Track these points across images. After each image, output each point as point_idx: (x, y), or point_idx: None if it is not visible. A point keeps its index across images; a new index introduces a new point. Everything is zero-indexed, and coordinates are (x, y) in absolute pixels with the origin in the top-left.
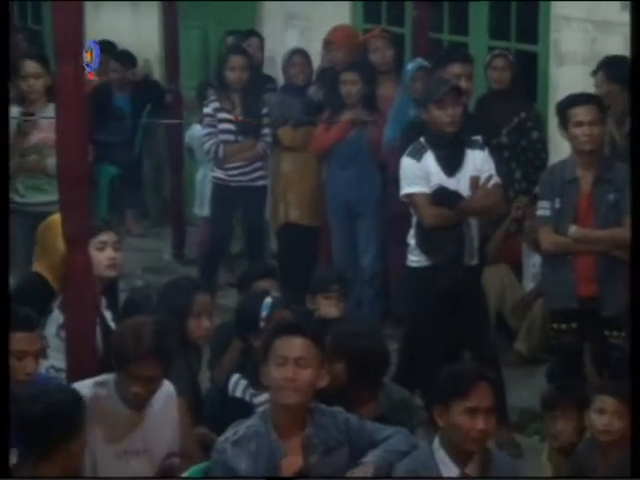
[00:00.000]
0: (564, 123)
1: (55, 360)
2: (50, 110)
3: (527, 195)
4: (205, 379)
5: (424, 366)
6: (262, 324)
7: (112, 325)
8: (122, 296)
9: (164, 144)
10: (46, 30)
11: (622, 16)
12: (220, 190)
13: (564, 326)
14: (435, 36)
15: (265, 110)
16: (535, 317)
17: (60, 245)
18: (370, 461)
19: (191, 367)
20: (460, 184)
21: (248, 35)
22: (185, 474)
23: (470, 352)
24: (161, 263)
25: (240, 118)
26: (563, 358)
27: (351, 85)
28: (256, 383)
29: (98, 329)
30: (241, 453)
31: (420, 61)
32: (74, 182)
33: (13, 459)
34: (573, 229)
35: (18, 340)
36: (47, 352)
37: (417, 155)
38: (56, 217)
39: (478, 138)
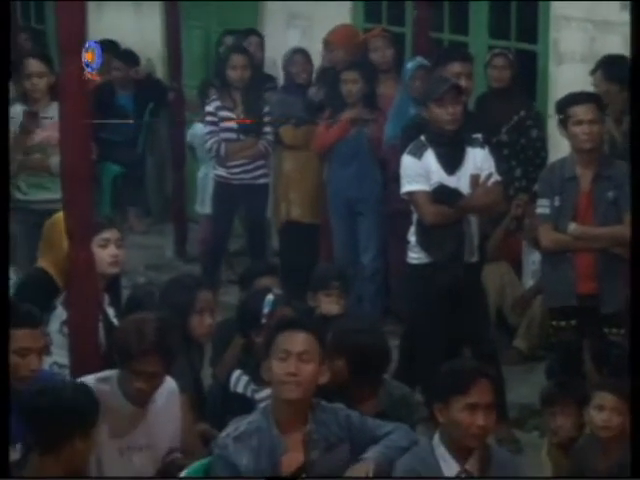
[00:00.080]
0: (564, 121)
1: (58, 356)
2: (53, 109)
3: (527, 193)
4: (207, 376)
5: (424, 363)
6: (264, 321)
7: (115, 322)
8: (125, 293)
9: (166, 142)
10: (49, 29)
11: (621, 16)
12: (222, 188)
13: (563, 323)
14: (435, 35)
15: (267, 109)
16: (535, 314)
17: (65, 242)
18: (370, 457)
19: (193, 364)
20: (460, 182)
21: (248, 34)
22: (187, 470)
23: (470, 349)
24: (163, 260)
25: (242, 118)
26: (562, 355)
27: (352, 84)
28: (257, 379)
29: (101, 326)
30: (242, 449)
31: (420, 60)
32: (77, 180)
33: (16, 455)
34: (573, 227)
35: (22, 337)
36: (50, 349)
37: (417, 153)
38: (62, 214)
39: (478, 136)
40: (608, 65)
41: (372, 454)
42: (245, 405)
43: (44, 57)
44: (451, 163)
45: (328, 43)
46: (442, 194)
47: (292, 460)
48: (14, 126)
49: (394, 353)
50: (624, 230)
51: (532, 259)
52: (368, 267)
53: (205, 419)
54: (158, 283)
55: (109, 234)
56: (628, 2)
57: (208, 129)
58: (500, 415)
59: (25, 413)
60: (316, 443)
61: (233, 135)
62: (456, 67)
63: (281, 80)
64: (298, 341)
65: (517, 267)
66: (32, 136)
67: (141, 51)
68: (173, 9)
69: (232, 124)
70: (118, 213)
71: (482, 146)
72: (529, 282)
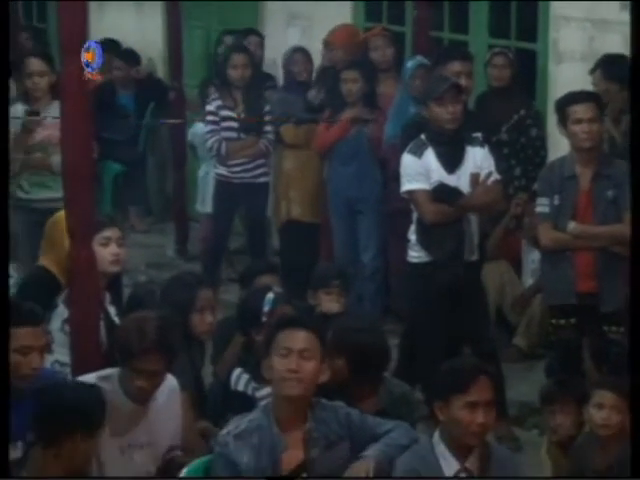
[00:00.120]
0: (563, 120)
1: (60, 355)
2: (55, 108)
3: (526, 192)
4: (208, 374)
5: (424, 361)
6: (264, 319)
7: (116, 320)
8: (126, 291)
9: (167, 142)
10: (51, 28)
11: (620, 15)
12: (222, 187)
13: (563, 321)
14: (435, 34)
15: (267, 108)
16: (534, 313)
17: (67, 240)
18: (371, 455)
19: (194, 362)
20: (460, 181)
21: (247, 33)
22: (187, 468)
23: (470, 347)
24: (164, 259)
25: (243, 117)
26: (562, 353)
27: (352, 83)
28: (258, 377)
29: (102, 324)
30: (243, 447)
31: (419, 59)
32: (78, 179)
33: (17, 453)
34: (572, 225)
35: (23, 335)
36: (52, 347)
37: (418, 152)
38: (64, 213)
39: (478, 135)
40: (607, 64)
41: (372, 452)
42: (246, 403)
43: (45, 56)
44: (451, 162)
45: (328, 42)
46: (442, 193)
47: (292, 458)
48: (16, 125)
49: (394, 352)
50: (623, 229)
51: (532, 258)
52: (368, 266)
53: (206, 417)
54: (159, 281)
55: (110, 233)
56: (627, 2)
57: (209, 128)
58: (500, 413)
59: (27, 411)
60: (316, 441)
61: (234, 134)
62: (456, 66)
63: (281, 79)
64: (299, 339)
65: (517, 266)
66: (33, 135)
67: (142, 51)
68: (174, 9)
69: (233, 123)
70: (119, 212)
71: (482, 145)
72: (529, 281)
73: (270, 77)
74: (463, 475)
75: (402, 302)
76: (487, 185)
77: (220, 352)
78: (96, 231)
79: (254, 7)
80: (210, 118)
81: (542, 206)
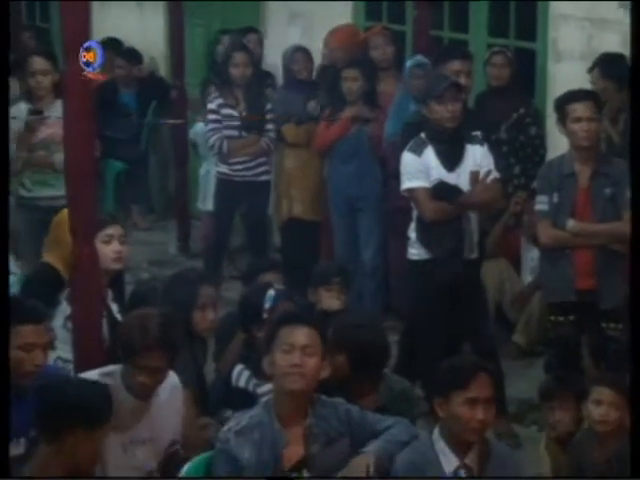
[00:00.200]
0: (562, 119)
1: (62, 351)
2: (58, 106)
3: (526, 190)
4: (210, 371)
5: (424, 358)
6: (265, 316)
7: (118, 317)
8: (128, 289)
9: (169, 140)
10: (54, 28)
11: (619, 14)
12: (224, 185)
13: (562, 319)
14: (435, 34)
15: (268, 106)
16: (533, 310)
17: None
18: (371, 451)
19: (196, 359)
20: (460, 179)
21: (246, 32)
22: (189, 464)
23: (469, 344)
24: (166, 256)
25: (244, 115)
26: (561, 350)
27: (352, 82)
28: (259, 374)
29: (104, 321)
30: (244, 442)
31: (418, 58)
32: (81, 177)
33: (20, 449)
34: (571, 223)
35: (26, 332)
36: (55, 343)
37: (417, 150)
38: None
39: (477, 134)
40: (605, 63)
41: (372, 448)
42: (247, 399)
43: (48, 55)
44: (451, 160)
45: (329, 41)
46: (442, 191)
47: (293, 454)
48: (19, 124)
49: (394, 348)
50: (622, 226)
51: (531, 255)
52: (368, 263)
53: (208, 413)
54: (161, 279)
55: (113, 230)
56: (626, 1)
57: (210, 126)
58: (499, 410)
59: (30, 407)
60: (316, 437)
61: (235, 132)
62: (456, 65)
63: (281, 78)
64: (301, 334)
65: (516, 263)
66: (36, 133)
67: (144, 49)
68: (176, 8)
69: (234, 121)
70: (121, 210)
71: (481, 143)
72: (528, 278)
73: (270, 75)
74: (462, 471)
75: (402, 299)
76: (486, 183)
77: (222, 349)
78: (98, 229)
79: (255, 6)
80: (212, 116)
81: (541, 204)
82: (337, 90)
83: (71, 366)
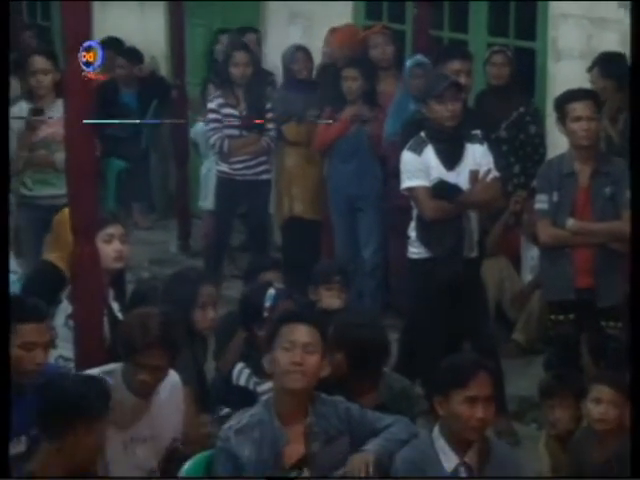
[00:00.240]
0: (562, 118)
1: (64, 350)
2: (58, 106)
3: (525, 189)
4: (211, 369)
5: (424, 356)
6: (266, 314)
7: (119, 316)
8: (129, 287)
9: (170, 139)
10: (55, 27)
11: (618, 13)
12: (225, 184)
13: (561, 317)
14: (435, 33)
15: (269, 105)
16: (533, 308)
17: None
18: (370, 449)
19: (197, 357)
20: (460, 178)
21: (244, 31)
22: (189, 461)
23: (469, 342)
24: (167, 255)
25: (245, 114)
26: (560, 348)
27: (352, 81)
28: (259, 372)
29: (105, 320)
30: (244, 441)
31: (418, 58)
32: (82, 176)
33: (21, 447)
34: (571, 222)
35: (28, 331)
36: (56, 342)
37: (417, 149)
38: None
39: (477, 133)
40: (605, 62)
41: (372, 446)
42: (247, 398)
43: (49, 54)
44: (450, 159)
45: (329, 41)
46: (442, 190)
47: (293, 452)
48: (20, 123)
49: (394, 347)
50: (621, 225)
51: (531, 254)
52: (368, 262)
53: (208, 411)
54: (162, 278)
55: (113, 229)
56: (625, 1)
57: (211, 125)
58: (499, 408)
59: (31, 406)
60: (316, 435)
61: (236, 131)
62: (456, 64)
63: (280, 77)
64: (303, 333)
65: (516, 262)
66: (37, 133)
67: (145, 49)
68: (177, 8)
69: (235, 121)
70: (122, 209)
71: (481, 142)
72: (528, 277)
73: (270, 74)
74: (462, 469)
75: (402, 298)
76: (486, 182)
77: (222, 347)
78: (99, 228)
79: (255, 6)
80: (212, 116)
81: (541, 203)
82: (337, 89)
83: (72, 365)
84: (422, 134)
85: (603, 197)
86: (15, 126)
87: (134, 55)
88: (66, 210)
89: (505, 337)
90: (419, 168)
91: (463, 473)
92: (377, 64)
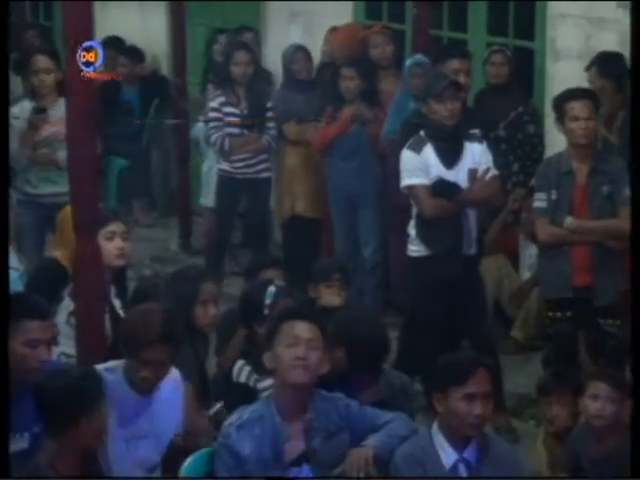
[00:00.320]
0: (560, 117)
1: (66, 347)
2: (61, 105)
3: (524, 187)
4: (212, 365)
5: (424, 353)
6: (266, 312)
7: (121, 313)
8: (131, 285)
9: (171, 137)
10: (57, 26)
11: (616, 13)
12: (225, 182)
13: (559, 314)
14: (435, 33)
15: (269, 104)
16: (531, 306)
17: None
18: (370, 445)
19: (198, 354)
20: (459, 176)
21: (242, 31)
22: (191, 457)
23: (468, 339)
24: (168, 253)
25: (246, 113)
26: (558, 345)
27: (349, 80)
28: (260, 369)
29: (107, 317)
30: (245, 437)
31: (418, 57)
32: (84, 174)
33: (24, 443)
34: (569, 220)
35: (32, 328)
36: (58, 339)
37: (417, 148)
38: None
39: (476, 131)
40: (603, 62)
41: (372, 442)
42: (247, 395)
43: (52, 53)
44: (450, 158)
45: (329, 40)
46: (441, 188)
47: (294, 448)
48: (22, 122)
49: (394, 344)
50: (619, 223)
51: (529, 252)
52: (368, 260)
53: (209, 408)
54: (163, 275)
55: (115, 227)
56: (625, 1)
57: (212, 124)
58: (498, 404)
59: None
60: (316, 431)
61: (237, 130)
62: (455, 64)
63: (280, 77)
64: (305, 329)
65: (514, 260)
66: (39, 131)
67: (146, 48)
68: (178, 7)
69: (236, 119)
70: (124, 206)
71: (480, 141)
72: (526, 274)
73: (269, 73)
74: (461, 465)
75: (402, 296)
76: (485, 180)
77: (223, 344)
78: (101, 225)
79: (256, 5)
80: (213, 114)
81: (539, 201)
82: (336, 88)
83: (74, 361)
84: (421, 133)
85: (601, 195)
86: (18, 125)
87: (135, 54)
88: (69, 208)
89: (503, 334)
90: (418, 167)
91: (462, 469)
92: (377, 63)
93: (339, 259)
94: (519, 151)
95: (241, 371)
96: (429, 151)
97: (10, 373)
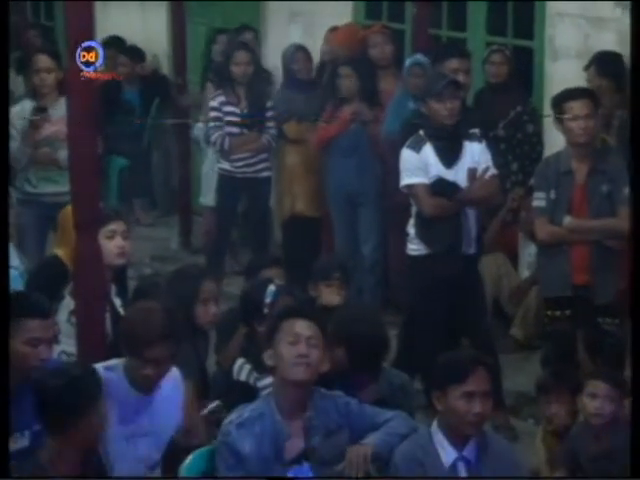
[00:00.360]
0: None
1: (66, 345)
2: (62, 104)
3: (523, 186)
4: (212, 364)
5: (423, 352)
6: (266, 310)
7: (121, 312)
8: (131, 284)
9: (172, 136)
10: (58, 26)
11: (615, 12)
12: (226, 181)
13: (558, 313)
14: (434, 32)
15: (270, 103)
16: (530, 304)
17: None
18: (370, 443)
19: (199, 352)
20: (458, 175)
21: (241, 30)
22: (191, 455)
23: (468, 338)
24: (169, 252)
25: (246, 112)
26: (557, 344)
27: (347, 79)
28: (260, 367)
29: (108, 315)
30: (246, 435)
31: (417, 57)
32: (84, 173)
33: (25, 442)
34: (568, 219)
35: (33, 327)
36: (59, 338)
37: (416, 147)
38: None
39: (476, 131)
40: (601, 61)
41: (372, 440)
42: (247, 393)
43: (53, 53)
44: (449, 157)
45: (329, 39)
46: (440, 187)
47: (294, 446)
48: (23, 121)
49: (393, 343)
50: (618, 223)
51: (528, 251)
52: (368, 259)
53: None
54: (164, 274)
55: (116, 226)
56: (624, 1)
57: (212, 124)
58: (497, 403)
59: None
60: (316, 429)
61: (237, 129)
62: (454, 63)
63: (280, 77)
64: (306, 327)
65: (513, 258)
66: (40, 131)
67: (147, 47)
68: (178, 7)
69: (236, 119)
70: (124, 205)
71: (479, 140)
72: (525, 273)
73: (269, 73)
74: (460, 464)
75: (401, 294)
76: (484, 179)
77: (223, 342)
78: (102, 224)
79: (256, 5)
80: (214, 114)
81: (538, 200)
82: (335, 88)
83: (74, 360)
84: (421, 132)
85: (600, 195)
86: (19, 124)
87: (136, 53)
88: (70, 207)
89: (503, 333)
90: (418, 166)
91: (461, 467)
92: (376, 63)
93: (339, 257)
94: (518, 150)
95: (241, 369)
96: (428, 150)
97: (11, 372)
